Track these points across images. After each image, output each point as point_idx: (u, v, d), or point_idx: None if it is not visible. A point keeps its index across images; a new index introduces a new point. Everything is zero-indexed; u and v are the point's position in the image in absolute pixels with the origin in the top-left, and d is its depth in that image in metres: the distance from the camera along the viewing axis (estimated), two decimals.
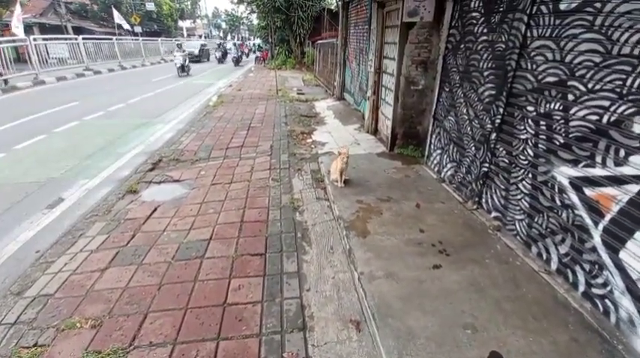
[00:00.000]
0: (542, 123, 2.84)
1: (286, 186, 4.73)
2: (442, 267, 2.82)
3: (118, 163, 5.98)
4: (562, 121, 2.64)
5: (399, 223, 3.49)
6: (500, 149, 3.36)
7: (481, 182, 3.65)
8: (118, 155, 6.36)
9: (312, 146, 6.40)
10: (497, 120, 3.35)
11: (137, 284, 2.92)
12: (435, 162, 4.77)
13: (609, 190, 2.28)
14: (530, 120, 2.97)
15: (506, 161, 3.28)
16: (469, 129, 3.90)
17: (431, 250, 3.05)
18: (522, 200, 3.07)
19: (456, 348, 2.10)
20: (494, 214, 3.49)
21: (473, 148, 3.82)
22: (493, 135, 3.42)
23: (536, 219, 2.91)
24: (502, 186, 3.34)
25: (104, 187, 5.04)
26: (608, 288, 2.25)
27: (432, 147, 4.88)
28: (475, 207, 3.74)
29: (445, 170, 4.48)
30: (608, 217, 2.27)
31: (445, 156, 4.49)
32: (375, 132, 6.86)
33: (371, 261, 2.90)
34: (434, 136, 4.83)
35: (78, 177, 5.41)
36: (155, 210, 4.27)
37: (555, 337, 2.16)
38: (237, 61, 25.39)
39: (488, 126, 3.50)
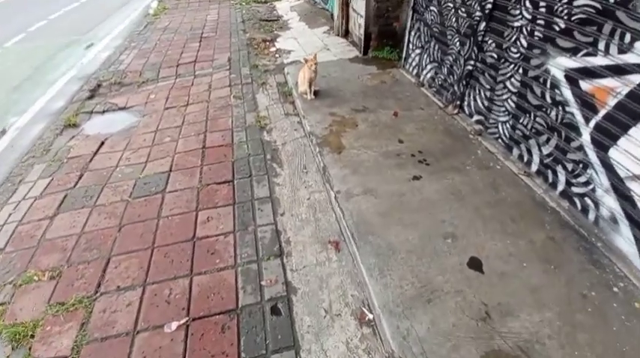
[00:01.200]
0: (542, 4, 2.39)
1: (250, 103, 4.20)
2: (422, 178, 2.68)
3: (50, 93, 5.06)
4: (565, 1, 2.20)
5: (376, 135, 3.22)
6: (489, 42, 2.93)
7: (464, 83, 3.31)
8: (49, 83, 5.35)
9: (277, 55, 5.61)
10: (489, 5, 2.84)
11: (94, 228, 2.63)
12: (414, 64, 4.29)
13: (608, 82, 2.02)
14: (527, 2, 2.49)
15: (495, 56, 2.89)
16: (454, 20, 3.35)
17: (410, 161, 2.87)
18: (509, 99, 2.81)
19: (436, 258, 2.07)
20: (475, 118, 3.26)
21: (457, 44, 3.35)
22: (482, 25, 2.95)
23: (521, 120, 2.71)
24: (487, 86, 3.03)
25: (38, 123, 4.30)
26: (590, 187, 2.19)
27: (411, 46, 4.32)
28: (456, 111, 3.48)
29: (425, 72, 4.05)
30: (602, 113, 2.07)
31: (425, 57, 4.01)
32: (346, 34, 6.03)
33: (348, 178, 2.70)
34: (412, 33, 4.23)
35: (7, 115, 4.56)
36: (102, 144, 3.73)
37: (532, 237, 2.17)
38: None
39: (477, 14, 2.98)
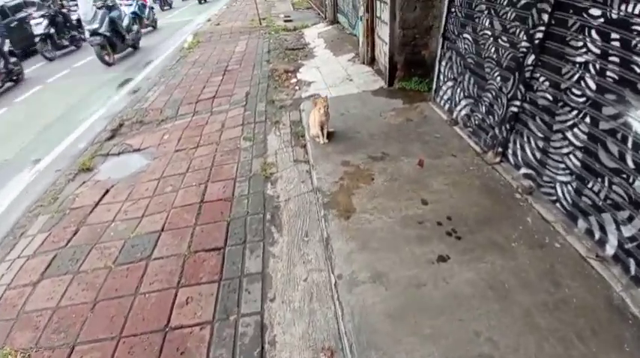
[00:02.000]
0: (614, 36, 1.75)
1: (260, 146, 3.86)
2: (450, 260, 2.07)
3: (76, 133, 5.19)
4: None
5: (395, 192, 2.66)
6: (541, 79, 2.29)
7: (508, 126, 2.66)
8: (78, 122, 5.54)
9: (296, 88, 5.30)
10: (539, 34, 2.22)
11: (69, 302, 2.37)
12: (446, 97, 3.69)
13: None
14: (594, 32, 1.86)
15: (550, 97, 2.24)
16: (493, 50, 2.76)
17: (436, 232, 2.27)
18: (571, 155, 2.13)
19: None
20: (523, 171, 2.58)
21: (498, 79, 2.74)
22: (530, 59, 2.32)
23: (590, 184, 2.01)
24: (540, 134, 2.37)
25: (56, 166, 4.35)
26: None
27: (442, 78, 3.74)
28: (498, 160, 2.82)
29: (458, 109, 3.43)
30: None
31: (458, 90, 3.41)
32: (371, 62, 5.58)
33: (354, 256, 2.17)
34: (444, 63, 3.66)
35: (31, 155, 4.73)
36: (107, 192, 3.59)
37: None
38: None
39: (524, 44, 2.37)
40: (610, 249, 1.95)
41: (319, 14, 10.86)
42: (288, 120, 4.30)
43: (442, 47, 3.62)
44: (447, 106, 3.69)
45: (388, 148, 3.22)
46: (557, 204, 2.28)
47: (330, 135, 3.48)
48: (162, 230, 2.87)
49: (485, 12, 2.78)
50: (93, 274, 2.57)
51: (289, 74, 5.94)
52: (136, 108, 5.62)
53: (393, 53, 4.31)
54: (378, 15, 4.95)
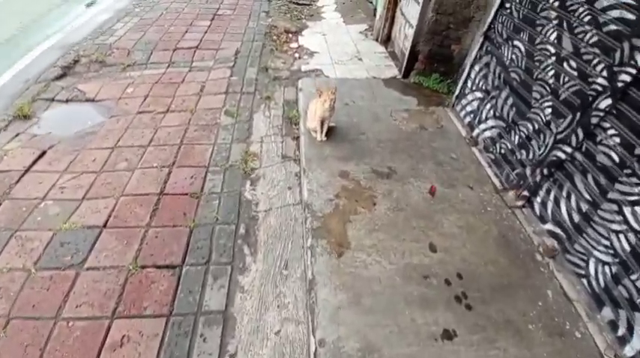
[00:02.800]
0: None
1: (243, 126, 3.21)
2: (457, 338, 1.71)
3: (21, 64, 4.18)
4: None
5: (400, 227, 2.21)
6: (610, 132, 1.82)
7: (545, 171, 2.22)
8: (27, 49, 4.46)
9: (296, 55, 4.52)
10: (625, 77, 1.71)
11: None
12: (469, 109, 3.17)
13: None
14: None
15: (615, 157, 1.80)
16: (552, 74, 2.22)
17: (444, 293, 1.88)
18: (622, 235, 1.74)
19: None
20: (550, 227, 2.20)
21: (548, 110, 2.24)
22: (604, 102, 1.83)
23: (634, 275, 1.66)
24: (587, 195, 1.95)
25: None
26: None
27: (470, 84, 3.19)
28: (520, 203, 2.42)
29: (482, 128, 2.94)
30: None
31: (488, 106, 2.89)
32: (387, 40, 4.84)
33: (342, 315, 1.75)
34: (477, 68, 3.08)
35: None
36: (43, 154, 2.86)
37: None
38: None
39: (599, 80, 1.86)
40: (630, 351, 1.66)
41: None
42: (281, 97, 3.61)
43: (480, 48, 3.02)
44: (467, 119, 3.18)
45: (396, 162, 2.72)
46: (585, 281, 1.94)
47: (329, 131, 2.90)
48: (105, 226, 2.27)
49: (555, 22, 2.20)
50: (8, 276, 1.98)
51: (290, 36, 5.08)
52: (97, 43, 4.62)
53: (418, 40, 3.64)
54: None
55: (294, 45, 4.81)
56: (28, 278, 1.97)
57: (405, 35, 4.16)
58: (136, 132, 3.12)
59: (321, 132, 2.83)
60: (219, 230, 2.27)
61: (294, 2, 6.41)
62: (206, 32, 4.99)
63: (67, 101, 3.59)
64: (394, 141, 2.95)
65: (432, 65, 3.72)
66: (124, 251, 2.12)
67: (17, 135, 3.09)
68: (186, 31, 4.99)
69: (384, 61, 4.40)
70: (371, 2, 6.14)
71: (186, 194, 2.52)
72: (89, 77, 4.04)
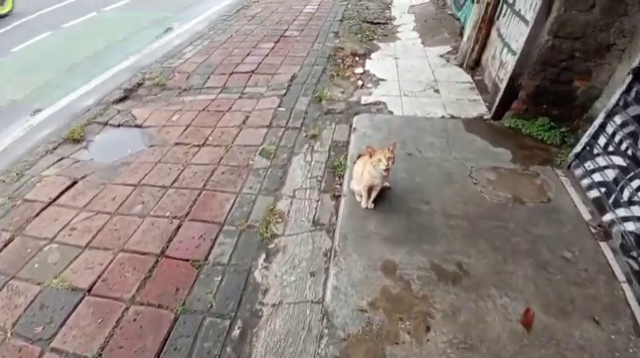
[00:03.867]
0: None
1: (277, 173, 2.66)
2: None
3: (92, 83, 4.40)
4: None
5: None
6: None
7: None
8: (103, 69, 4.75)
9: (359, 82, 3.88)
10: None
11: None
12: (598, 179, 2.11)
13: None
14: None
15: None
16: None
17: None
18: None
19: None
20: None
21: None
22: None
23: None
24: None
25: (49, 125, 3.60)
26: None
27: (604, 141, 2.13)
28: None
29: (623, 215, 1.87)
30: None
31: (636, 183, 1.83)
32: (474, 67, 3.90)
33: None
34: (619, 119, 2.02)
35: (37, 101, 4.06)
36: (73, 184, 2.73)
37: None
38: None
39: None
40: None
41: None
42: (330, 137, 2.99)
43: (627, 91, 1.97)
44: (594, 194, 2.12)
45: (472, 256, 1.84)
46: None
47: (381, 193, 2.16)
48: (89, 291, 1.92)
49: None
50: None
51: (356, 59, 4.48)
52: (164, 66, 4.66)
53: (520, 71, 2.67)
54: (510, 1, 3.20)
55: (358, 70, 4.18)
56: (2, 343, 1.69)
57: (501, 62, 3.20)
58: (164, 169, 2.82)
59: (368, 198, 2.11)
60: (208, 325, 1.72)
61: (367, 21, 5.83)
62: (267, 55, 4.70)
63: (118, 126, 3.55)
64: (472, 218, 2.06)
65: (538, 106, 2.70)
66: (93, 335, 1.70)
67: (60, 159, 3.06)
68: (248, 54, 4.77)
69: (467, 94, 3.47)
70: (458, 19, 5.21)
71: (188, 260, 2.04)
72: (147, 101, 4.01)
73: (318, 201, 2.36)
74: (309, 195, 2.41)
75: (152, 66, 4.72)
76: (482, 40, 3.74)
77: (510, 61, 2.92)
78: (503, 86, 2.91)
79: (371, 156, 1.87)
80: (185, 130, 3.30)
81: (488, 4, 3.55)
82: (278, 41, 5.16)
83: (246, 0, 7.54)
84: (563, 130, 2.65)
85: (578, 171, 2.33)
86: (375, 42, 5.04)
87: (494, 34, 3.56)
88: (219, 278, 1.94)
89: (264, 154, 2.84)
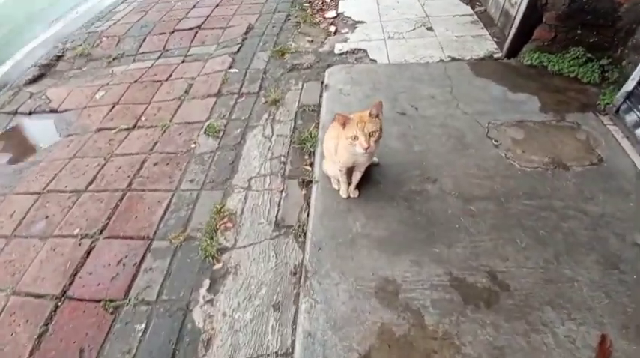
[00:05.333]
0: None
1: (227, 156, 1.96)
2: None
3: (8, 63, 3.50)
4: None
5: None
6: None
7: None
8: (18, 46, 3.79)
9: (331, 29, 3.07)
10: None
11: None
12: None
13: None
14: None
15: None
16: None
17: None
18: None
19: None
20: None
21: None
22: None
23: None
24: None
25: None
26: None
27: None
28: None
29: None
30: None
31: None
32: None
33: None
34: None
35: None
36: None
37: None
38: None
39: None
40: None
41: None
42: (296, 100, 2.26)
43: None
44: None
45: (509, 259, 1.24)
46: None
47: (366, 174, 1.50)
48: None
49: None
50: None
51: (326, 1, 3.60)
52: (89, 31, 3.73)
53: None
54: None
55: (330, 14, 3.34)
56: None
57: None
58: (80, 165, 2.10)
59: (348, 183, 1.46)
60: None
61: None
62: (217, 6, 3.77)
63: (30, 113, 2.75)
64: (500, 198, 1.44)
65: (571, 31, 1.99)
66: None
67: None
68: (194, 6, 3.83)
69: (469, 30, 2.72)
70: None
71: (100, 301, 1.40)
72: (69, 77, 3.17)
73: (281, 191, 1.70)
74: (270, 183, 1.75)
75: (76, 33, 3.79)
76: None
77: None
78: (520, 11, 2.17)
79: (344, 127, 1.19)
80: (111, 110, 2.53)
81: None
82: None
83: None
84: (603, 63, 1.97)
85: (632, 117, 1.70)
86: None
87: None
88: (143, 325, 1.32)
89: (210, 132, 2.12)
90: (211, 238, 1.55)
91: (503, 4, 2.59)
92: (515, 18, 2.25)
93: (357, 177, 1.44)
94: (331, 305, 1.17)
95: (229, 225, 1.60)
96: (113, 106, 2.57)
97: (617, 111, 1.78)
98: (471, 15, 2.93)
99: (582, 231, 1.32)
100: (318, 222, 1.43)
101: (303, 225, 1.52)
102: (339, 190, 1.52)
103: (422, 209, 1.43)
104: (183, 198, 1.77)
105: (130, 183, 1.90)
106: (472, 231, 1.33)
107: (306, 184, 1.70)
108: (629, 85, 1.70)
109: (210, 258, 1.48)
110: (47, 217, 1.82)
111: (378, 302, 1.17)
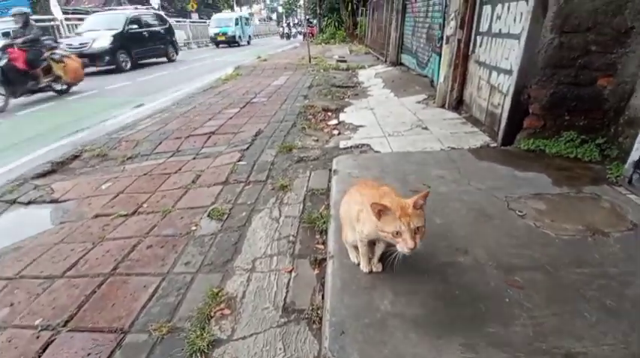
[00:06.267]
0: None
1: (229, 238, 1.80)
2: None
3: (25, 158, 3.68)
4: None
5: None
6: None
7: None
8: (41, 145, 4.08)
9: (334, 132, 3.36)
10: None
11: None
12: None
13: None
14: None
15: None
16: None
17: None
18: None
19: None
20: None
21: None
22: None
23: None
24: None
25: None
26: None
27: None
28: None
29: None
30: None
31: None
32: (457, 106, 3.54)
33: None
34: None
35: None
36: None
37: None
38: (287, 37, 26.83)
39: None
40: None
41: (378, 58, 9.43)
42: (304, 186, 2.26)
43: None
44: None
45: (582, 335, 0.97)
46: None
47: (387, 259, 1.32)
48: None
49: None
50: None
51: (328, 114, 4.08)
52: (111, 137, 4.05)
53: (525, 84, 2.20)
54: (484, 29, 2.98)
55: (332, 122, 3.72)
56: None
57: (491, 87, 2.79)
58: (64, 250, 1.90)
59: (370, 256, 1.28)
60: None
61: (336, 86, 5.74)
62: (230, 118, 4.24)
63: (27, 203, 2.67)
64: (546, 267, 1.24)
65: (559, 118, 2.17)
66: None
67: None
68: (209, 119, 4.30)
69: (461, 128, 2.98)
70: (426, 76, 5.18)
71: None
72: (79, 174, 3.24)
73: (290, 271, 1.48)
74: (277, 264, 1.54)
75: (98, 139, 4.11)
76: (461, 77, 3.46)
77: (505, 80, 2.51)
78: (505, 108, 2.42)
79: (379, 218, 1.05)
80: (113, 199, 2.48)
81: (459, 41, 3.36)
82: (244, 107, 4.81)
83: (215, 81, 7.61)
84: (599, 142, 2.07)
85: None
86: (346, 100, 4.78)
87: (472, 67, 3.28)
88: None
89: (213, 216, 2.02)
90: (203, 328, 1.24)
91: (487, 108, 2.91)
92: (501, 115, 2.49)
93: (380, 248, 1.27)
94: None
95: (227, 311, 1.32)
96: (116, 195, 2.53)
97: (630, 181, 1.75)
98: (458, 118, 3.27)
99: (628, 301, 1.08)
100: (336, 300, 1.18)
101: (318, 309, 1.25)
102: (358, 264, 1.32)
103: (459, 281, 1.21)
104: (174, 282, 1.52)
105: (115, 268, 1.67)
106: (527, 306, 1.09)
107: (319, 263, 1.50)
108: (635, 155, 1.73)
109: (199, 355, 1.15)
110: (12, 304, 1.52)
111: None
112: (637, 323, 1.00)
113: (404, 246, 1.02)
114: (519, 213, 1.58)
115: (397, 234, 1.02)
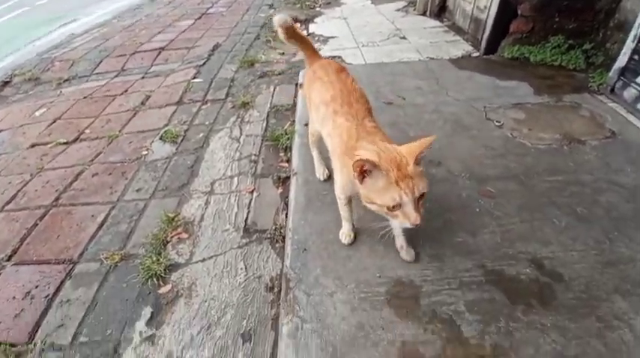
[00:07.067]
0: None
1: (184, 162, 1.63)
2: None
3: None
4: None
5: None
6: None
7: None
8: None
9: None
10: None
11: None
12: None
13: None
14: None
15: None
16: None
17: None
18: None
19: None
20: None
21: None
22: None
23: None
24: None
25: None
26: None
27: None
28: None
29: None
30: None
31: None
32: (440, 12, 3.17)
33: None
34: None
35: None
36: None
37: None
38: None
39: None
40: None
41: None
42: (267, 101, 2.02)
43: None
44: None
45: (551, 243, 0.96)
46: None
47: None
48: None
49: None
50: None
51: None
52: (42, 58, 3.44)
53: None
54: None
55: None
56: None
57: None
58: (0, 184, 1.68)
59: (351, 221, 1.15)
60: None
61: None
62: (183, 32, 3.66)
63: None
64: (520, 176, 1.19)
65: (548, 20, 1.95)
66: None
67: None
68: (159, 33, 3.69)
69: (442, 37, 2.70)
70: None
71: None
72: (12, 101, 2.79)
73: (252, 191, 1.36)
74: (237, 185, 1.41)
75: (28, 61, 3.48)
76: None
77: None
78: (492, 11, 2.15)
79: (362, 180, 0.75)
80: (50, 125, 2.16)
81: None
82: (199, 18, 4.14)
83: None
84: (586, 48, 1.92)
85: (630, 92, 1.58)
86: (317, 9, 4.19)
87: None
88: None
89: (167, 138, 1.80)
90: (159, 254, 1.15)
91: (472, 13, 2.61)
92: (487, 19, 2.23)
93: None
94: (326, 324, 0.81)
95: (184, 235, 1.22)
96: (53, 121, 2.20)
97: (613, 89, 1.67)
98: (440, 26, 2.95)
99: (624, 203, 1.07)
100: (300, 218, 1.09)
101: (281, 228, 1.17)
102: (324, 181, 1.21)
103: (430, 193, 1.14)
104: (125, 209, 1.38)
105: (58, 198, 1.49)
106: (497, 214, 1.05)
107: (283, 181, 1.38)
108: (622, 61, 1.60)
109: (155, 280, 1.08)
110: None
111: (394, 312, 0.82)
112: (609, 229, 0.99)
113: (405, 221, 0.72)
114: (497, 123, 1.49)
115: (397, 207, 0.72)
